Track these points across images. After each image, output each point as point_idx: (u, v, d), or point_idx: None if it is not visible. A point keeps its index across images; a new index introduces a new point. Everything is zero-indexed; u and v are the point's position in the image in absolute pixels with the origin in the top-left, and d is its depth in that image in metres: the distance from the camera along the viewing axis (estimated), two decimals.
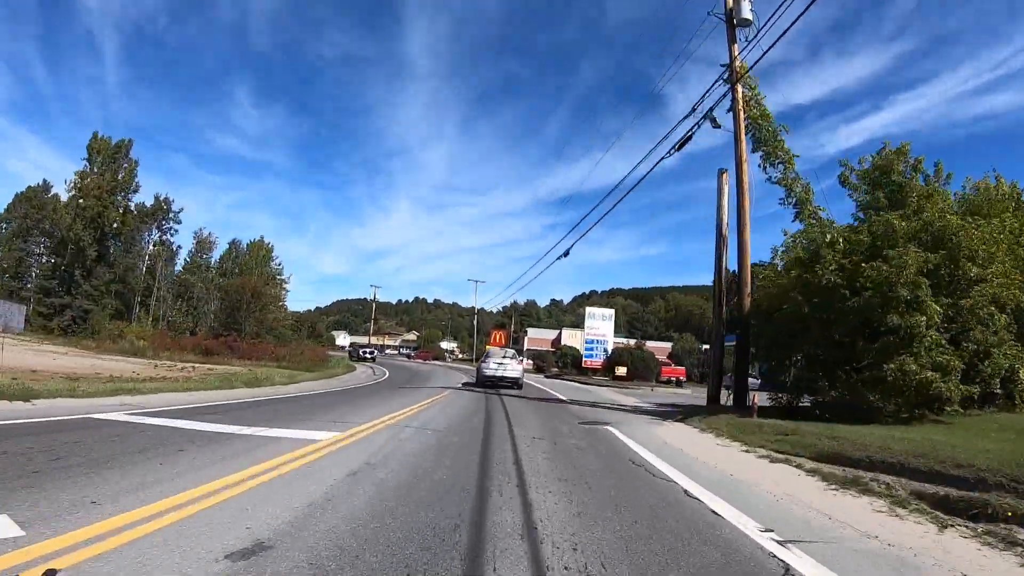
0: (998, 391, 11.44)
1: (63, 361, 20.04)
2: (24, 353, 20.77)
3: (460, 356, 77.83)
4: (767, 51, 10.53)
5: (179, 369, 21.92)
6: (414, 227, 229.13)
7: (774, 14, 9.56)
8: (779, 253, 14.89)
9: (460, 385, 21.19)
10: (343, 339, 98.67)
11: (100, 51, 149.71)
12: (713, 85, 13.93)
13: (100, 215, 52.81)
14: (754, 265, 14.35)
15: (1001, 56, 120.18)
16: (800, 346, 11.60)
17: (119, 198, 54.56)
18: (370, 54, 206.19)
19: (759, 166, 14.90)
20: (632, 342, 37.82)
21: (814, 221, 14.68)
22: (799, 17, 9.14)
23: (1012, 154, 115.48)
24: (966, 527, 4.35)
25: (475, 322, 61.21)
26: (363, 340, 65.22)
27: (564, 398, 17.64)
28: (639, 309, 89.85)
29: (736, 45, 14.38)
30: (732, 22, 14.34)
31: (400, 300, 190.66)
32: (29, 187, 62.47)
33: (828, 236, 11.65)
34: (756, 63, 12.29)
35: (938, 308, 10.16)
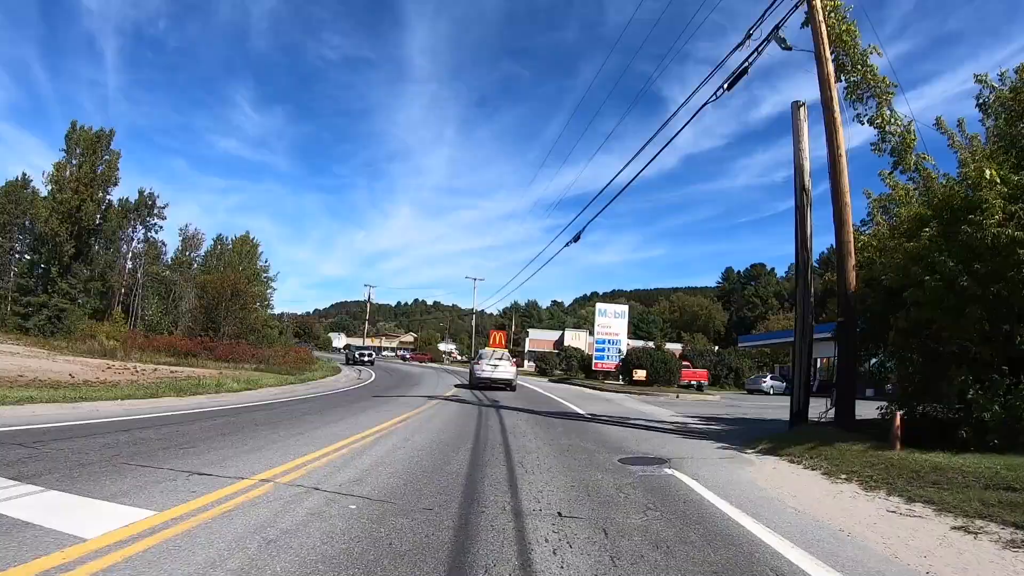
0: None
1: (5, 362, 16.92)
2: None
3: (458, 358, 73.63)
4: None
5: (132, 371, 18.45)
6: (414, 230, 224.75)
7: None
8: (875, 214, 10.82)
9: (449, 394, 17.09)
10: (340, 341, 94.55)
11: (100, 53, 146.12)
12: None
13: (78, 209, 48.97)
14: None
15: (1000, 56, 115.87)
16: (953, 335, 7.46)
17: (98, 192, 50.59)
18: (370, 56, 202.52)
19: (845, 99, 10.84)
20: (651, 343, 33.68)
21: (915, 176, 10.62)
22: None
23: None
24: None
25: (473, 322, 57.04)
26: (359, 342, 61.04)
27: (582, 411, 13.53)
28: (643, 310, 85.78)
29: None
30: None
31: (399, 302, 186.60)
32: (8, 181, 58.58)
33: (987, 172, 7.57)
34: None
35: None
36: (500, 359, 20.48)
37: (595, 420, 11.58)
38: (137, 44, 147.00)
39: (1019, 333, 7.50)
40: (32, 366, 16.52)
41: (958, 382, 7.51)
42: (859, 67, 10.80)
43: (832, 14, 10.75)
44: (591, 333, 65.71)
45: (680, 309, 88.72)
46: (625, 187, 23.78)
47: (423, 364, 58.82)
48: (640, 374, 23.38)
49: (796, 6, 10.52)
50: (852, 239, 9.20)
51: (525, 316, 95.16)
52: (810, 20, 10.54)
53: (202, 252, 54.09)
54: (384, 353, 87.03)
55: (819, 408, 9.99)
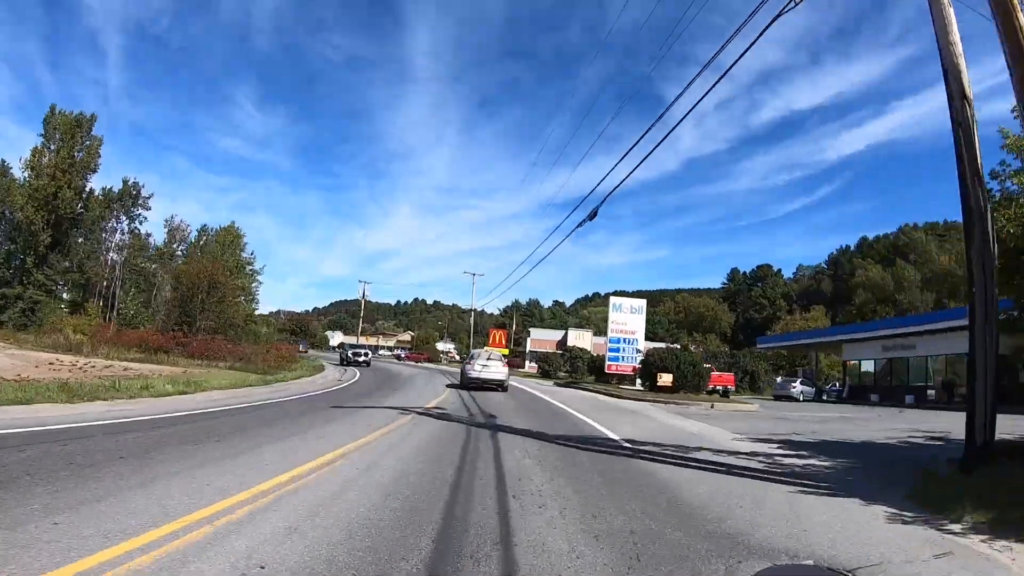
0: None
1: None
2: None
3: (456, 358, 69.70)
4: None
5: (79, 368, 15.70)
6: (415, 229, 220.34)
7: None
8: None
9: (432, 404, 13.26)
10: (338, 340, 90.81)
11: (103, 51, 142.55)
12: None
13: (55, 196, 45.32)
14: None
15: (1003, 63, 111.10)
16: None
17: (77, 179, 46.89)
18: (373, 56, 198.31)
19: None
20: (677, 344, 29.71)
21: None
22: None
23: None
24: None
25: (471, 320, 53.15)
26: (355, 340, 57.12)
27: (612, 434, 9.61)
28: (649, 311, 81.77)
29: None
30: None
31: (399, 301, 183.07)
32: None
33: None
34: None
35: None
36: (492, 359, 19.90)
37: (639, 452, 7.74)
38: (140, 42, 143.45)
39: None
40: None
41: None
42: None
43: None
44: (596, 333, 62.05)
45: (686, 310, 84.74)
46: (640, 163, 20.04)
47: (418, 364, 55.02)
48: (666, 379, 19.45)
49: None
50: None
51: (527, 315, 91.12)
52: None
53: (187, 244, 50.37)
54: (381, 352, 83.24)
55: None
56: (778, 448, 8.72)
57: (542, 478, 5.48)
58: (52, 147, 46.99)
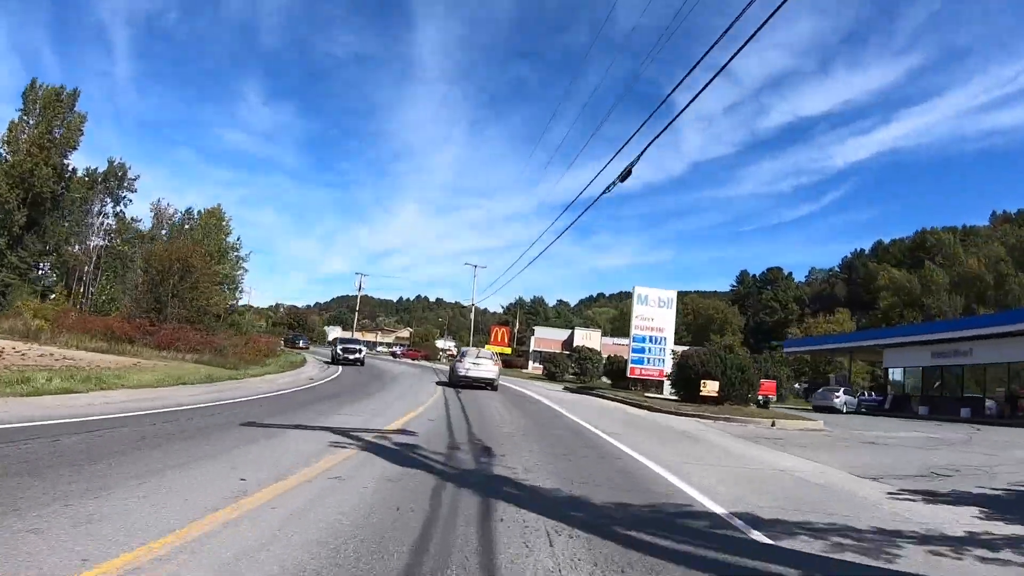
0: None
1: None
2: None
3: (454, 355, 65.80)
4: None
5: (19, 357, 13.51)
6: (419, 227, 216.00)
7: None
8: None
9: (404, 421, 9.21)
10: (335, 334, 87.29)
11: (110, 44, 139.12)
12: None
13: (31, 173, 41.63)
14: None
15: (1011, 72, 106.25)
16: None
17: (55, 156, 43.16)
18: (380, 54, 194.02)
19: None
20: (721, 346, 25.53)
21: None
22: None
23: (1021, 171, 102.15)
24: None
25: (472, 315, 49.17)
26: (350, 334, 53.25)
27: (703, 497, 5.17)
28: None
29: None
30: None
31: (401, 297, 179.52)
32: None
33: None
34: None
35: None
36: (483, 357, 19.60)
37: (780, 556, 3.79)
38: (148, 36, 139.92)
39: None
40: None
41: None
42: None
43: None
44: (605, 333, 58.00)
45: (694, 312, 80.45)
46: (642, 152, 16.21)
47: (415, 361, 51.08)
48: (711, 387, 15.20)
49: None
50: None
51: (531, 313, 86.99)
52: None
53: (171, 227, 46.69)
54: (378, 349, 79.44)
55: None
56: (979, 516, 4.72)
57: None
58: (31, 122, 43.43)
